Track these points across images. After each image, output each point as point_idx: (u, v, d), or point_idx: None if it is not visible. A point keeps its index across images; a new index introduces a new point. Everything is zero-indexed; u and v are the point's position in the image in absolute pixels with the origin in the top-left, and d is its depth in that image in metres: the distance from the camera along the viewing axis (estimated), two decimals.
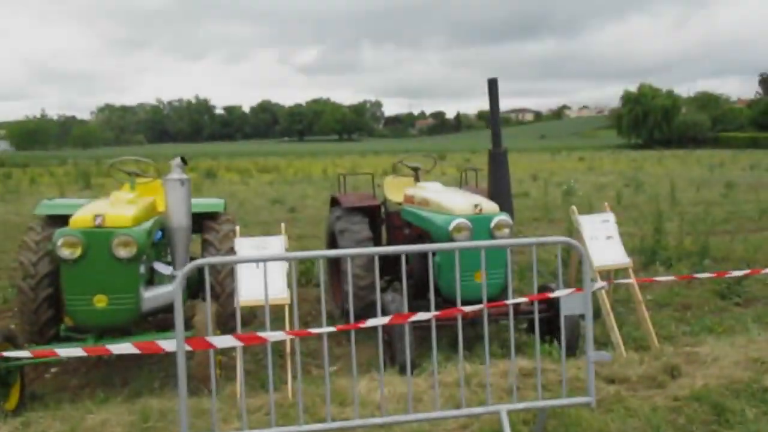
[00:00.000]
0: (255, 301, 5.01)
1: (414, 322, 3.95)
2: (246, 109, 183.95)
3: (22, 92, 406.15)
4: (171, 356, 6.03)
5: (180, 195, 5.48)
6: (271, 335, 3.50)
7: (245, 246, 5.17)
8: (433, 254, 5.88)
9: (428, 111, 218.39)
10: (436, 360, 3.84)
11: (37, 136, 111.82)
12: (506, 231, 5.64)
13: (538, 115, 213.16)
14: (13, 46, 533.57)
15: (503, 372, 5.11)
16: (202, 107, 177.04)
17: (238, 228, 5.65)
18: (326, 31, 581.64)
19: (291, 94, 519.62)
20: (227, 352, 5.70)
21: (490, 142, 6.30)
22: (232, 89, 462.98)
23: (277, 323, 6.12)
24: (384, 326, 5.37)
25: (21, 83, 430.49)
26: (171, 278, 5.60)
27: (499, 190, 6.20)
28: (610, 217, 6.27)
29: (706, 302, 7.64)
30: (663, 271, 8.98)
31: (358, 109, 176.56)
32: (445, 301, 5.81)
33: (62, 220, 6.21)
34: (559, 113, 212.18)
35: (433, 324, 3.83)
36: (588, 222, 6.14)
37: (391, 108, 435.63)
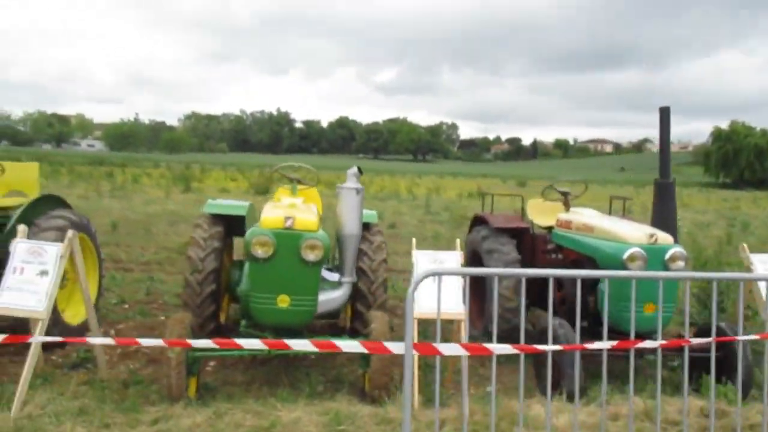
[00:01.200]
0: (430, 314, 5.04)
1: (638, 349, 3.84)
2: (324, 124, 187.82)
3: (115, 96, 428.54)
4: (324, 361, 6.16)
5: (354, 203, 5.58)
6: (497, 347, 3.49)
7: (423, 259, 5.21)
8: (599, 282, 5.83)
9: (504, 136, 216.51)
10: (660, 392, 3.71)
11: (130, 138, 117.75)
12: (681, 264, 5.47)
13: (617, 147, 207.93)
14: (109, 52, 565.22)
15: (677, 410, 4.92)
16: (283, 120, 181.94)
17: (414, 240, 5.69)
18: (406, 52, 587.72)
19: (368, 112, 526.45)
20: None
21: (659, 172, 6.15)
22: (311, 104, 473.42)
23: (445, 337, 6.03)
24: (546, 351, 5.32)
25: (115, 88, 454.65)
26: (336, 284, 5.69)
27: (665, 222, 6.03)
28: None
29: None
30: None
31: (434, 131, 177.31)
32: (609, 330, 5.67)
33: (223, 218, 6.47)
34: (639, 146, 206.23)
35: (657, 348, 3.72)
36: (760, 261, 5.89)
37: (466, 131, 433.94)
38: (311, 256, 4.90)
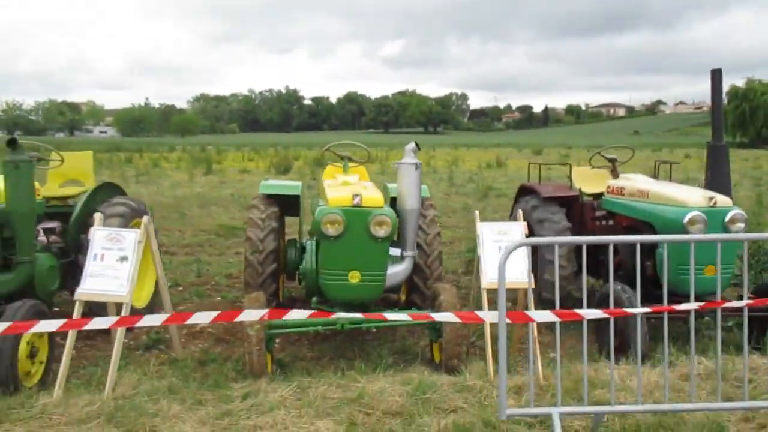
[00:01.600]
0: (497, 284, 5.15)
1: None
2: (333, 100, 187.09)
3: (122, 82, 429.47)
4: (384, 334, 6.30)
5: (413, 179, 5.64)
6: (588, 312, 3.60)
7: (487, 230, 5.30)
8: (656, 246, 5.90)
9: (514, 105, 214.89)
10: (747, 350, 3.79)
11: (141, 123, 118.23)
12: (741, 225, 5.52)
13: (630, 111, 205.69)
14: (114, 38, 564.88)
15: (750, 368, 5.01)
16: (292, 98, 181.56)
17: (477, 212, 5.77)
18: (412, 24, 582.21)
19: (377, 87, 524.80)
20: None
21: (711, 135, 6.17)
22: (319, 81, 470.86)
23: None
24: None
25: (121, 74, 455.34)
26: (398, 259, 5.79)
27: (719, 184, 6.06)
28: None
29: None
30: None
31: (444, 102, 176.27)
32: (668, 294, 5.75)
33: (276, 198, 6.59)
34: (653, 109, 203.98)
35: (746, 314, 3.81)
36: None
37: (476, 101, 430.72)
38: (380, 232, 5.01)
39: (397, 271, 5.60)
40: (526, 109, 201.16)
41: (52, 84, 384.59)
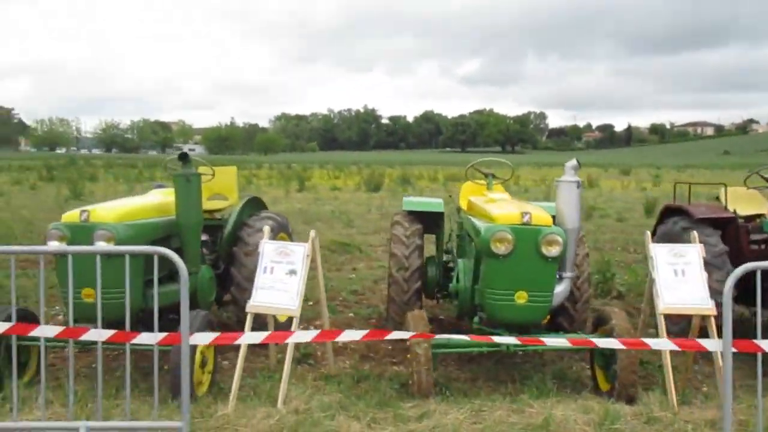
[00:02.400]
0: (679, 308, 4.88)
1: None
2: (410, 119, 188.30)
3: (208, 102, 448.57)
4: (531, 358, 6.09)
5: (574, 197, 5.45)
6: None
7: (662, 253, 5.04)
8: None
9: (594, 124, 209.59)
10: None
11: (227, 141, 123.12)
12: None
13: (719, 130, 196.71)
14: (201, 61, 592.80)
15: None
16: (370, 117, 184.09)
17: (648, 233, 5.52)
18: (489, 42, 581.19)
19: (453, 105, 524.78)
20: None
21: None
22: (397, 100, 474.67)
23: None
24: None
25: (207, 94, 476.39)
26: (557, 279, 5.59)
27: None
28: None
29: None
30: None
31: (522, 121, 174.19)
32: None
33: (418, 215, 6.55)
34: (744, 128, 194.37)
35: None
36: None
37: (555, 120, 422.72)
38: (551, 251, 4.83)
39: (558, 292, 5.40)
40: (607, 128, 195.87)
41: (146, 104, 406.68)
